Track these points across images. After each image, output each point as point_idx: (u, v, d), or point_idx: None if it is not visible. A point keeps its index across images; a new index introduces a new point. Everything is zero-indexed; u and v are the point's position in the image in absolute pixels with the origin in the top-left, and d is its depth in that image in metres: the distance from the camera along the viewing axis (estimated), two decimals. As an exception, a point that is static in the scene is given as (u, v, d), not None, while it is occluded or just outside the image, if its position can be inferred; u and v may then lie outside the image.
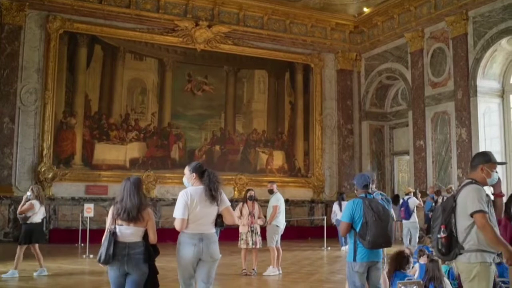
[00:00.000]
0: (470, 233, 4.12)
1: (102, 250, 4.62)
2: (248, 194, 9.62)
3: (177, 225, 4.84)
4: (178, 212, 4.82)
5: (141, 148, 16.58)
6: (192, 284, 4.93)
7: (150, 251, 4.79)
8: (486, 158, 4.30)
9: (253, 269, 9.38)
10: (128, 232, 4.71)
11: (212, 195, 4.84)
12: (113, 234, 4.67)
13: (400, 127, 18.84)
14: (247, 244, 9.30)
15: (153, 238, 4.81)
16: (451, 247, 4.17)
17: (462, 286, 6.47)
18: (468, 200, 4.13)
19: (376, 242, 5.00)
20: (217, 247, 5.01)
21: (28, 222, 8.94)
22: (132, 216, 4.68)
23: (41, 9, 15.44)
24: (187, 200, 4.82)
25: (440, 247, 4.20)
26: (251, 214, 9.35)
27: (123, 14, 16.14)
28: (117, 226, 4.71)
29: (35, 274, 9.00)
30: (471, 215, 4.07)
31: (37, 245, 9.03)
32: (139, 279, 4.70)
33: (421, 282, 5.84)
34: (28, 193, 9.11)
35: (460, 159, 14.83)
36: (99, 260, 4.66)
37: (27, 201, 9.00)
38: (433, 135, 16.02)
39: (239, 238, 9.42)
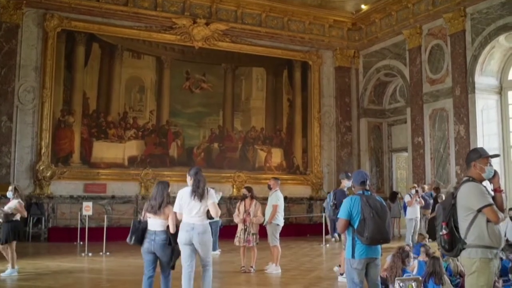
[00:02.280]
0: (471, 229, 4.22)
1: (129, 233, 6.12)
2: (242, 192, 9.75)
3: (177, 216, 6.17)
4: (175, 207, 6.14)
5: (139, 146, 16.56)
6: (192, 265, 6.16)
7: (170, 238, 6.06)
8: (477, 154, 4.43)
9: (252, 267, 9.40)
10: (154, 223, 6.09)
11: (196, 193, 6.04)
12: (139, 222, 6.18)
13: (399, 124, 18.85)
14: (240, 241, 9.35)
15: (171, 228, 6.08)
16: (454, 243, 4.28)
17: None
18: (471, 197, 4.24)
19: (374, 239, 5.02)
20: (207, 236, 6.14)
21: (14, 219, 8.98)
22: (155, 210, 6.06)
23: (39, 7, 15.40)
24: (179, 199, 6.14)
25: (443, 244, 4.33)
26: (246, 212, 9.37)
27: (121, 12, 16.11)
28: (147, 218, 6.13)
29: (2, 274, 8.74)
30: (479, 210, 4.17)
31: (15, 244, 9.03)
32: (164, 259, 6.11)
33: (420, 278, 5.87)
34: (10, 193, 9.18)
35: (458, 156, 14.85)
36: (128, 241, 6.16)
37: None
38: (431, 132, 16.03)
39: (235, 236, 9.47)
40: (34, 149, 15.13)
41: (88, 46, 16.11)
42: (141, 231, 6.09)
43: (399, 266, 6.30)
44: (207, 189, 6.12)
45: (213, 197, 6.14)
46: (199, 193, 6.03)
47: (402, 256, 6.43)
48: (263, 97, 18.59)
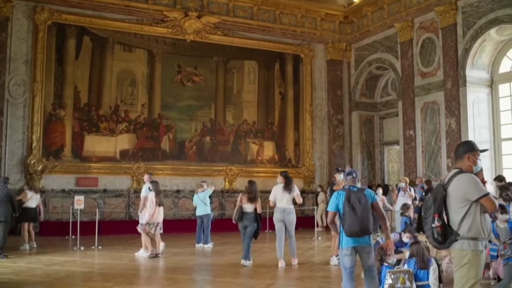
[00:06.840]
0: (464, 221, 4.23)
1: (235, 214, 9.47)
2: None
3: (271, 204, 9.52)
4: (270, 197, 9.51)
5: (131, 139, 16.52)
6: (283, 235, 9.31)
7: (257, 217, 9.41)
8: (471, 147, 4.47)
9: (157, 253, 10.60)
10: (249, 207, 9.40)
11: (287, 188, 9.33)
12: (241, 207, 9.38)
13: (390, 117, 18.91)
14: None
15: (259, 210, 9.42)
16: (446, 235, 4.27)
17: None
18: (468, 188, 4.24)
19: (352, 231, 5.53)
20: (293, 216, 9.40)
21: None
22: (252, 199, 9.36)
23: (29, 0, 15.27)
24: (274, 192, 9.44)
25: (436, 236, 4.29)
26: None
27: (112, 5, 15.99)
28: (243, 204, 9.39)
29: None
30: (476, 201, 4.20)
31: None
32: (251, 230, 9.33)
33: (411, 270, 5.92)
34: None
35: (449, 149, 14.93)
36: (234, 220, 9.50)
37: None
38: (422, 125, 16.09)
39: None
40: (25, 143, 15.05)
41: (79, 39, 16.01)
42: (241, 213, 9.31)
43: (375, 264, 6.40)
44: (293, 186, 9.39)
45: (296, 190, 9.43)
46: (289, 188, 9.31)
47: (380, 253, 6.55)
48: (255, 90, 18.57)
